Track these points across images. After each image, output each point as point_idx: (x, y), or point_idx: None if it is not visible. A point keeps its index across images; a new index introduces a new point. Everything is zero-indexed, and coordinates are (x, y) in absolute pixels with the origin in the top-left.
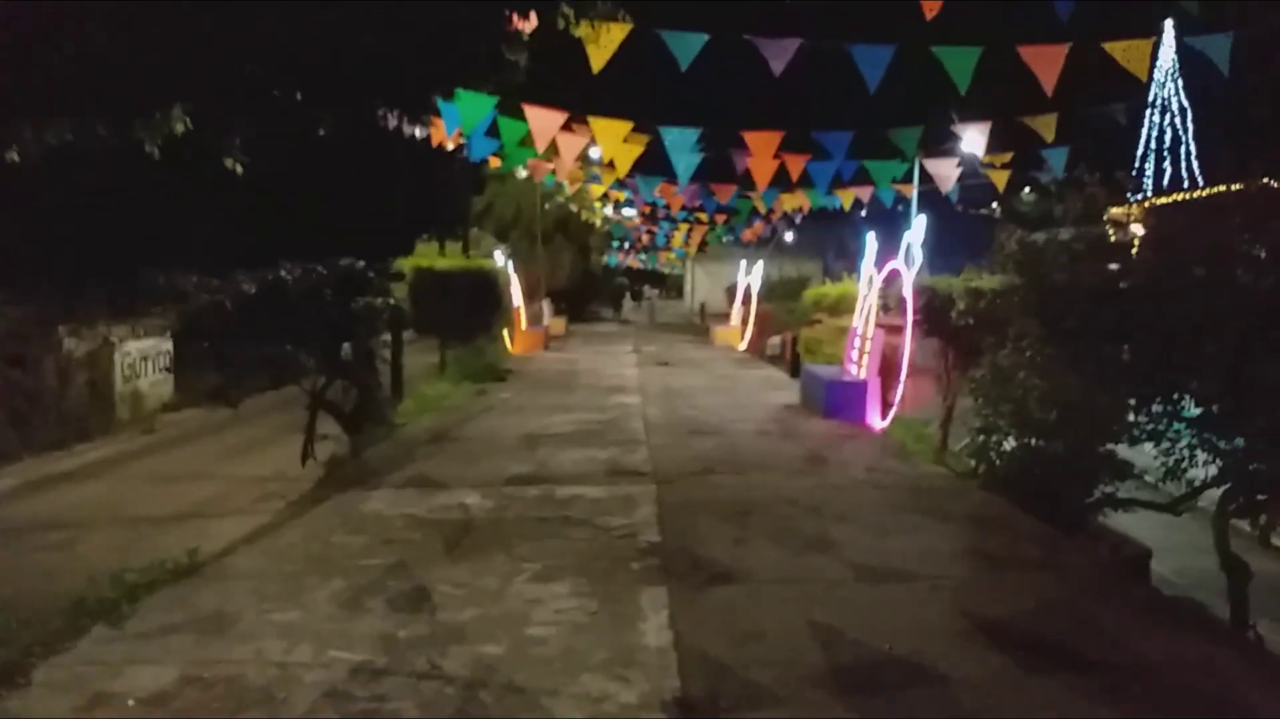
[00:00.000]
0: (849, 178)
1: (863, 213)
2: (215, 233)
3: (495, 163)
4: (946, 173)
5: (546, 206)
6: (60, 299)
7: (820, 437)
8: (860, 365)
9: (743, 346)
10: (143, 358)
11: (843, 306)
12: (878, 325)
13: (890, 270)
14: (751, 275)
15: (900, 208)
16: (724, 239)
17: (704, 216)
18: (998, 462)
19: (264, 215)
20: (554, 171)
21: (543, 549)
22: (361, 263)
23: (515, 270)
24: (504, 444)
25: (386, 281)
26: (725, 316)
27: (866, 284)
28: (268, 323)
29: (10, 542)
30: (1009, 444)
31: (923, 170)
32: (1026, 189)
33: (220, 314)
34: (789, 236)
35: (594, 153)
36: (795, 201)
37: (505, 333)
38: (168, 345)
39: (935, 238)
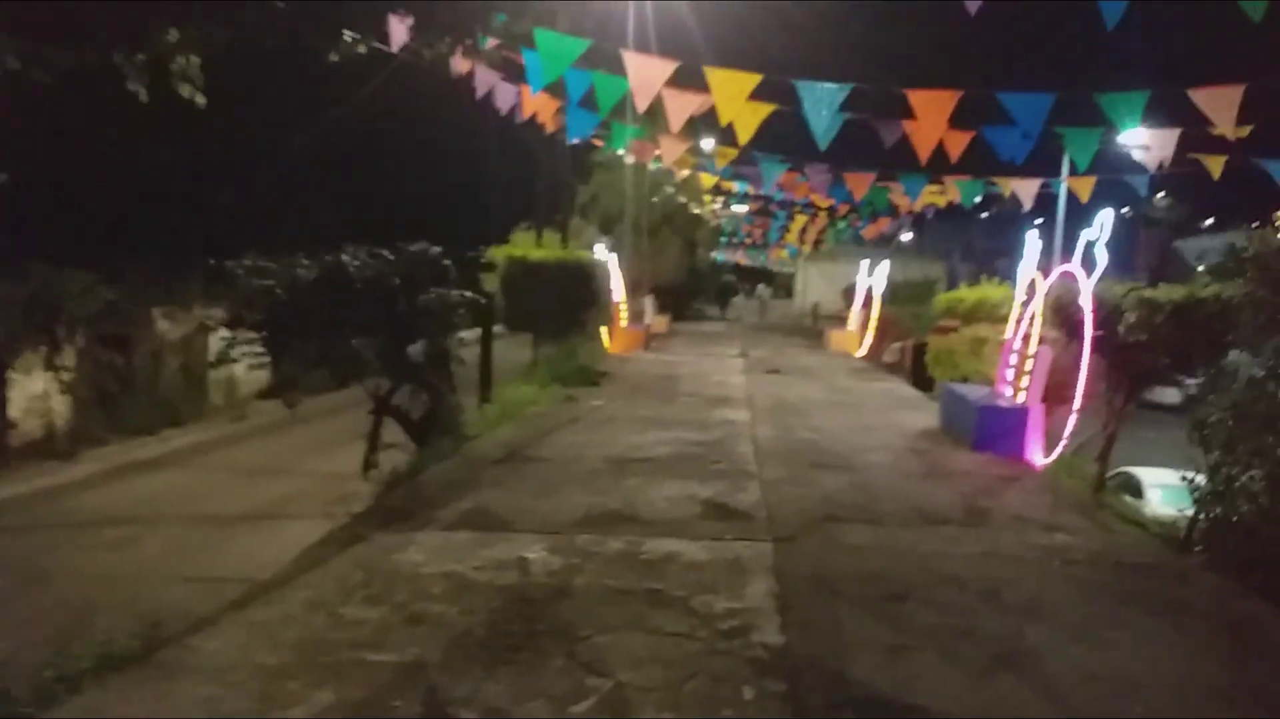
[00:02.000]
0: (1024, 158)
1: (1025, 208)
2: (306, 218)
3: (599, 145)
4: (1158, 151)
5: (655, 199)
6: (156, 280)
7: (974, 477)
8: (1019, 387)
9: (861, 354)
10: (239, 342)
11: (980, 313)
12: (1043, 340)
13: (1060, 274)
14: (875, 276)
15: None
16: (843, 237)
17: (824, 210)
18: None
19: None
20: (660, 156)
21: (618, 650)
22: (436, 249)
23: (618, 264)
24: (586, 469)
25: (476, 271)
26: (841, 320)
27: (1025, 290)
28: (327, 314)
29: (73, 537)
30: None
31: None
32: (1161, 193)
33: (272, 303)
34: (905, 236)
35: (705, 144)
36: (941, 195)
37: (604, 330)
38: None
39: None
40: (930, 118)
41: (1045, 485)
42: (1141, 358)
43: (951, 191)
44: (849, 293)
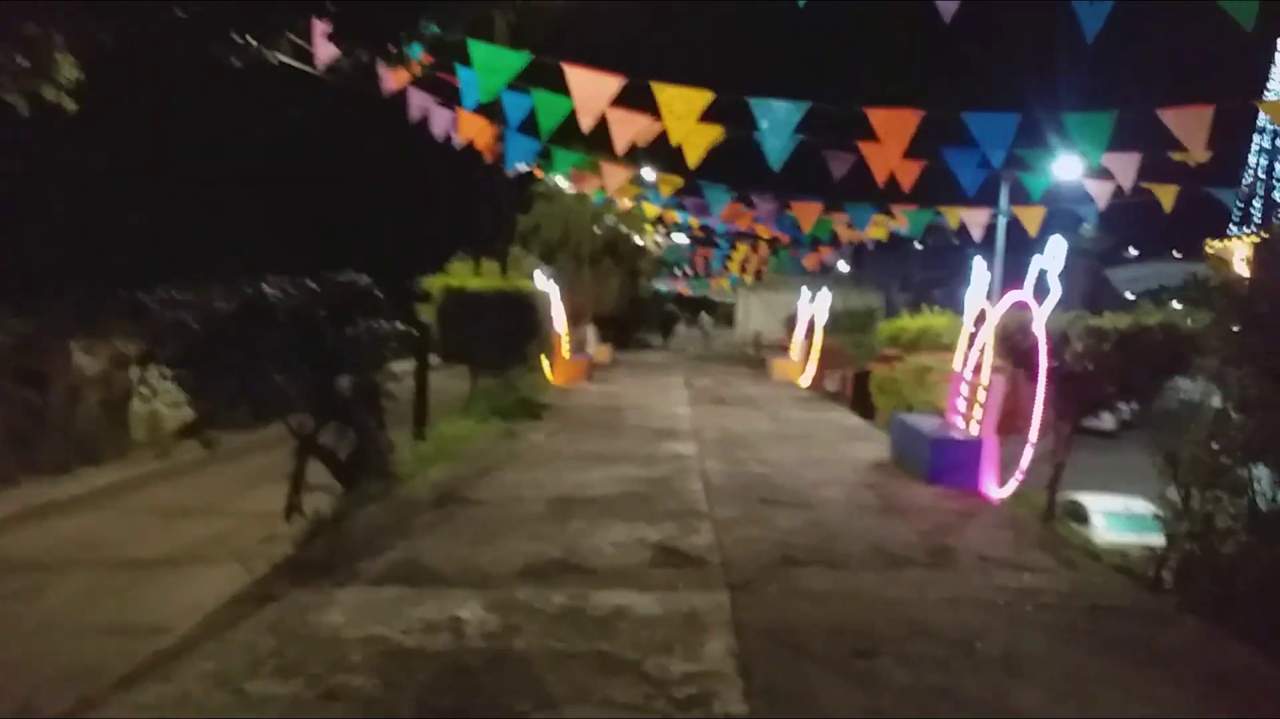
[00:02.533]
0: (978, 185)
1: (975, 239)
2: (235, 246)
3: (540, 175)
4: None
5: (597, 230)
6: (75, 312)
7: (932, 512)
8: (970, 418)
9: (804, 383)
10: (164, 377)
11: (924, 342)
12: (994, 370)
13: (1011, 303)
14: (816, 305)
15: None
16: (784, 267)
17: (766, 240)
18: (1206, 572)
19: (288, 227)
20: (603, 188)
21: None
22: (365, 279)
23: (559, 294)
24: (527, 512)
25: (411, 301)
26: (783, 348)
27: (973, 319)
28: (247, 348)
29: None
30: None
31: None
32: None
33: (187, 337)
34: (843, 266)
35: (646, 174)
36: (885, 227)
37: (545, 361)
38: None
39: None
40: (891, 138)
41: (1005, 520)
42: (1088, 386)
43: (899, 221)
44: (791, 322)
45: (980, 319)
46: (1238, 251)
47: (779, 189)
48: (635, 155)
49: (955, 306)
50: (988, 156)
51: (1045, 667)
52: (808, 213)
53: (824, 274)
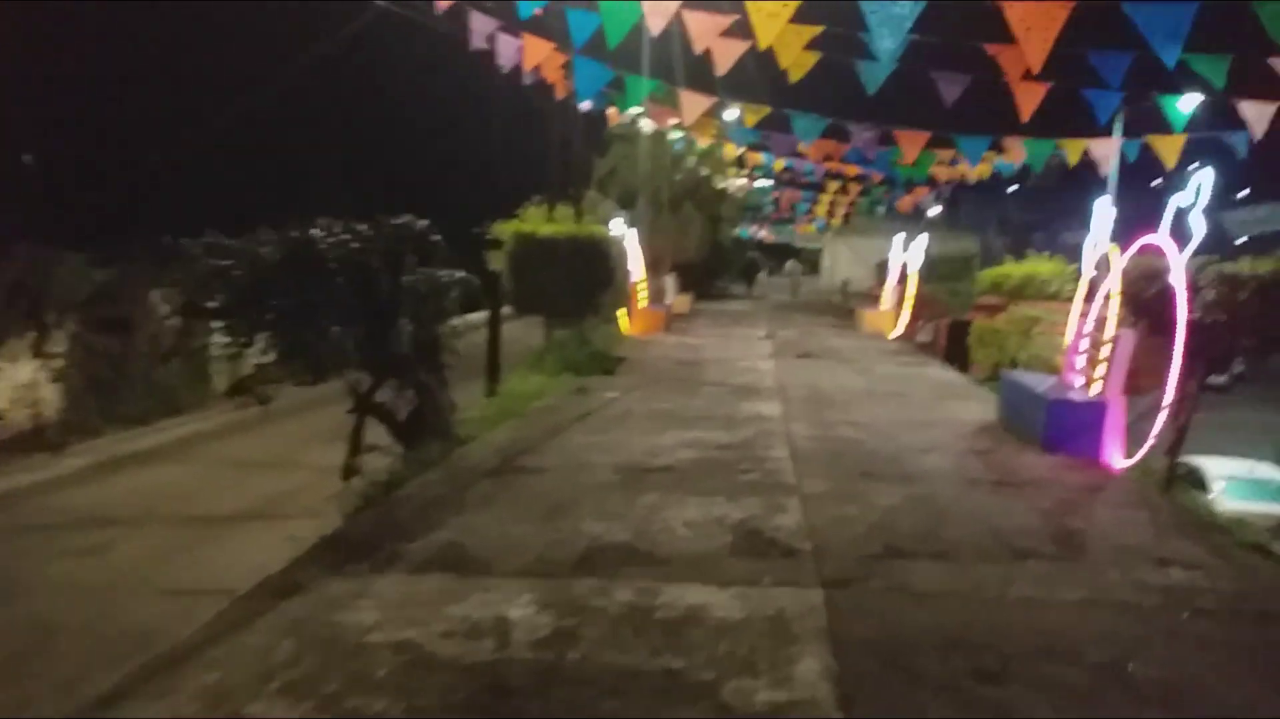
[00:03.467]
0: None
1: (1103, 173)
2: (301, 191)
3: (615, 117)
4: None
5: (676, 174)
6: (157, 261)
7: (1051, 486)
8: (1092, 377)
9: (896, 334)
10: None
11: (1029, 291)
12: (1122, 324)
13: (1142, 247)
14: (910, 251)
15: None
16: (873, 210)
17: (854, 179)
18: None
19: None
20: (680, 124)
21: None
22: (423, 222)
23: (637, 241)
24: (594, 481)
25: (481, 248)
26: (873, 298)
27: (1095, 265)
28: (296, 297)
29: (50, 541)
30: None
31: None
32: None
33: (231, 285)
34: (934, 210)
35: (728, 114)
36: (988, 163)
37: (622, 311)
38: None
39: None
40: (1034, 35)
41: (1136, 497)
42: (1219, 339)
43: (1012, 155)
44: (882, 269)
45: (1103, 265)
46: None
47: (878, 118)
48: (715, 87)
49: (1057, 250)
50: (1159, 54)
51: (1220, 701)
52: (912, 143)
53: (915, 218)
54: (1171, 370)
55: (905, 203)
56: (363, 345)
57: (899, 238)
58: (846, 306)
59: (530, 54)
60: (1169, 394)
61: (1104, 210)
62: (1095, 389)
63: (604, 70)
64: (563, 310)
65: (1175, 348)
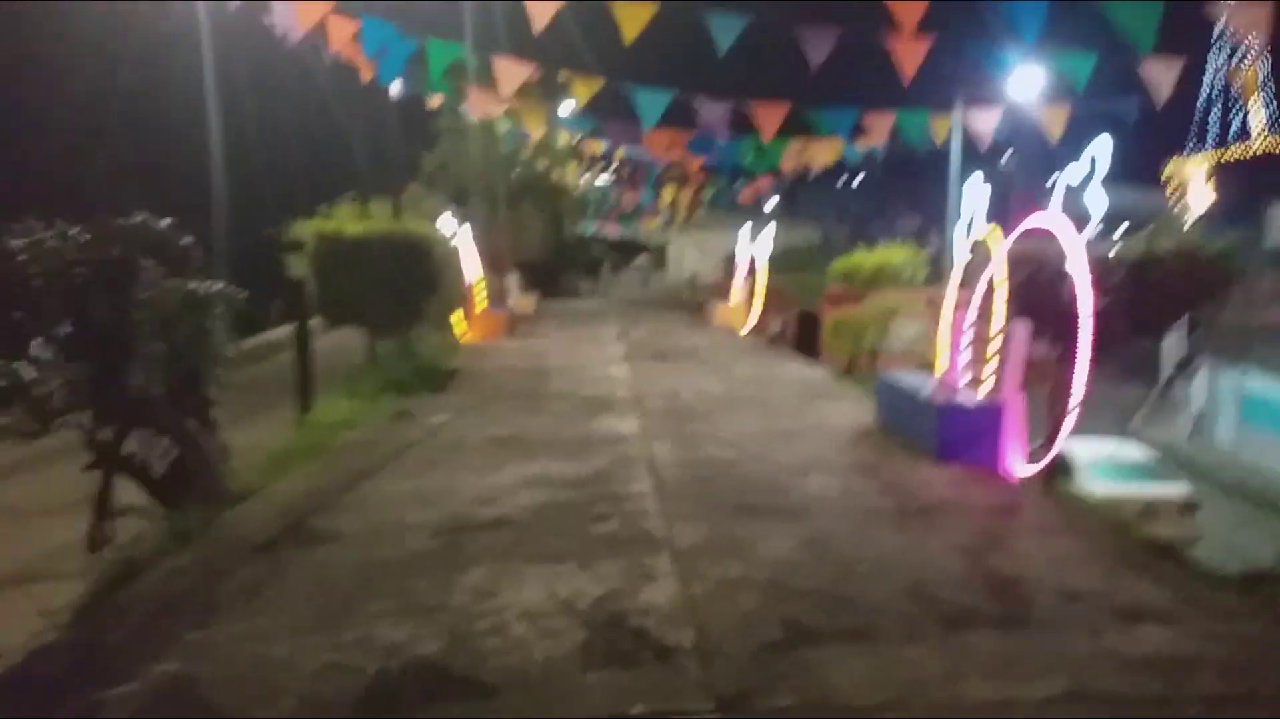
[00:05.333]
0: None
1: (984, 148)
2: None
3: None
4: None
5: (514, 171)
6: None
7: (959, 510)
8: (980, 377)
9: (746, 330)
10: None
11: (883, 279)
12: (1010, 318)
13: (1027, 229)
14: (758, 243)
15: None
16: (717, 202)
17: (697, 170)
18: None
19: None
20: (508, 110)
21: None
22: (166, 221)
23: (474, 239)
24: (402, 553)
25: (278, 254)
26: (721, 291)
27: (971, 251)
28: None
29: None
30: None
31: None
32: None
33: None
34: (771, 203)
35: (562, 109)
36: (823, 152)
37: (458, 315)
38: None
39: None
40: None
41: (1059, 519)
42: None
43: (875, 137)
44: (730, 263)
45: (981, 251)
46: (1195, 172)
47: (731, 90)
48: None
49: (894, 236)
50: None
51: None
52: (771, 116)
53: (757, 210)
54: (1077, 367)
55: (748, 194)
56: (92, 384)
57: (745, 230)
58: (696, 300)
59: (305, 14)
60: (1075, 395)
61: (977, 189)
62: (985, 389)
63: (398, 37)
64: (381, 319)
65: (1080, 341)
